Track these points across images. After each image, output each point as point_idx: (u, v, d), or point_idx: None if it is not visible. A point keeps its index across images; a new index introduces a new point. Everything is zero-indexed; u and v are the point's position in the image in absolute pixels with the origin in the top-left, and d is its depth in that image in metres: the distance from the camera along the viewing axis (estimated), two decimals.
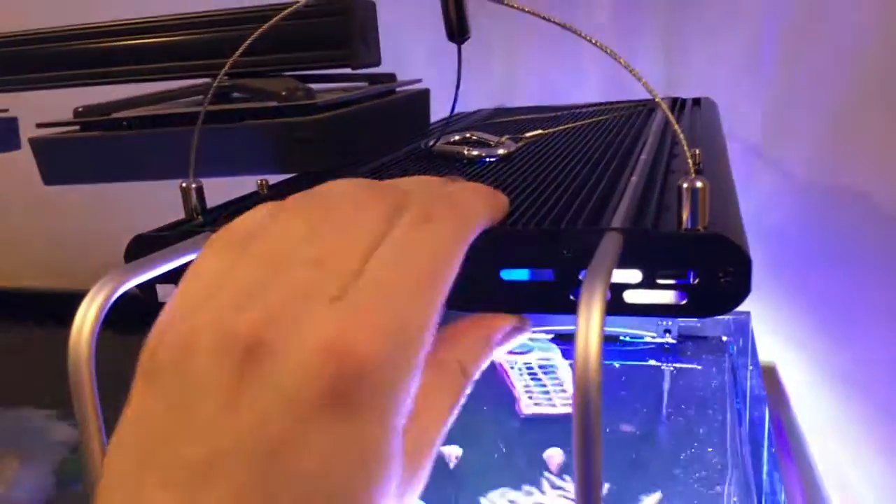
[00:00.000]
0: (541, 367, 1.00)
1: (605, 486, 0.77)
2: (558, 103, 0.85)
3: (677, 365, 0.97)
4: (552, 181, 0.42)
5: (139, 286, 0.36)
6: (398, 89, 0.71)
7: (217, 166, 0.53)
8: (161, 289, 0.38)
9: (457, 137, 0.56)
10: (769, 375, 1.02)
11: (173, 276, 0.36)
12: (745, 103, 0.92)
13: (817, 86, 0.89)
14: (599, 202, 0.37)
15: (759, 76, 0.92)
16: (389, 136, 0.62)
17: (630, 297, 0.31)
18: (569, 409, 0.82)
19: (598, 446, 0.23)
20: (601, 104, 0.79)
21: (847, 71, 0.87)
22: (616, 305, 0.32)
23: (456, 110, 0.97)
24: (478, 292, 0.33)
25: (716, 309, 0.30)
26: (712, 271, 0.30)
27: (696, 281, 0.30)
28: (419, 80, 0.73)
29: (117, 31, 0.63)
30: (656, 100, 0.33)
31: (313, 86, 0.63)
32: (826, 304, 0.98)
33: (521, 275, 0.33)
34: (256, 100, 0.57)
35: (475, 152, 0.51)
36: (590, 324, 0.24)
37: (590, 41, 0.34)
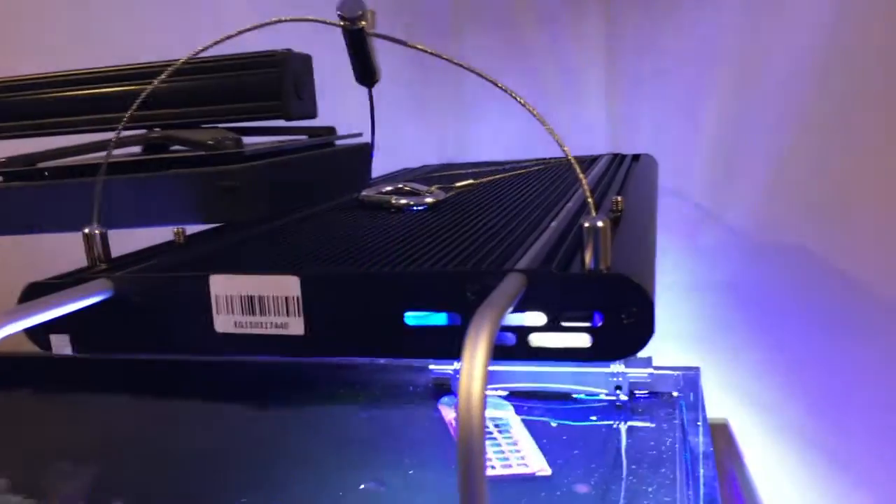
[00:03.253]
0: (496, 425, 0.98)
1: None
2: (509, 158, 0.86)
3: (629, 423, 0.95)
4: (471, 227, 0.41)
5: (30, 334, 0.34)
6: (338, 142, 0.70)
7: (143, 216, 0.52)
8: (57, 339, 0.36)
9: (389, 188, 0.56)
10: (722, 431, 1.01)
11: (67, 325, 0.35)
12: (688, 160, 0.94)
13: (759, 142, 0.91)
14: (513, 246, 0.36)
15: (702, 134, 0.94)
16: (324, 188, 0.61)
17: (535, 340, 0.31)
18: (524, 469, 0.80)
19: (482, 496, 0.22)
20: (546, 159, 0.80)
21: (787, 125, 0.89)
22: (522, 350, 0.31)
23: (404, 166, 0.98)
24: (382, 338, 0.32)
25: (620, 352, 0.30)
26: (615, 313, 0.29)
27: (601, 324, 0.30)
28: (359, 134, 0.73)
29: (49, 83, 0.62)
30: (564, 151, 0.33)
31: (249, 139, 0.63)
32: (776, 357, 0.98)
33: (426, 319, 0.32)
34: (186, 151, 0.56)
35: (403, 201, 0.50)
36: (473, 364, 0.23)
37: (508, 92, 0.34)
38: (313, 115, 0.63)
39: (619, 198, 0.44)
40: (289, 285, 0.33)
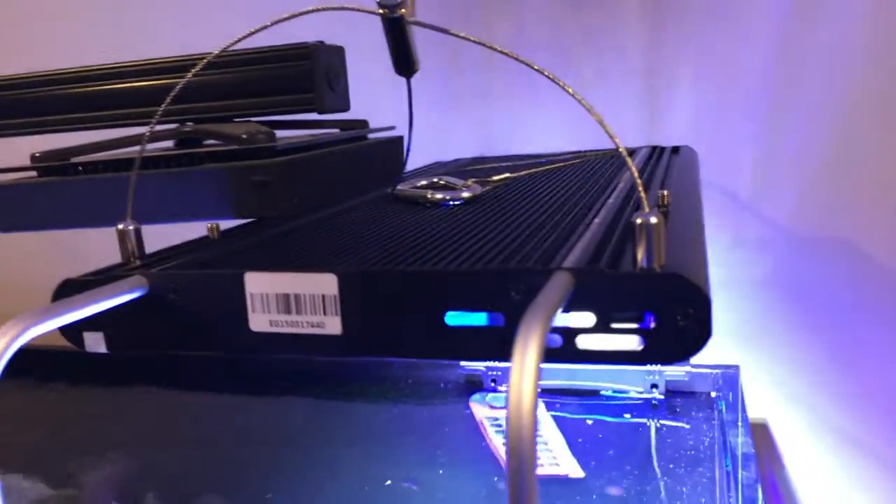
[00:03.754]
0: None
1: None
2: (544, 151, 0.84)
3: (665, 422, 0.93)
4: (511, 223, 0.40)
5: (64, 331, 0.34)
6: (371, 136, 0.69)
7: (175, 211, 0.52)
8: (90, 337, 0.35)
9: (424, 182, 0.55)
10: (761, 432, 0.98)
11: (101, 323, 0.34)
12: (731, 153, 0.92)
13: (803, 135, 0.88)
14: (557, 243, 0.34)
15: (745, 126, 0.91)
16: (356, 182, 0.60)
17: (583, 342, 0.29)
18: (556, 470, 0.78)
19: (534, 498, 0.21)
20: (582, 152, 0.78)
21: (830, 116, 0.86)
22: (569, 352, 0.29)
23: (436, 160, 0.97)
24: (421, 338, 0.31)
25: (675, 355, 0.28)
26: (669, 313, 0.28)
27: (654, 325, 0.28)
28: (393, 128, 0.72)
29: (82, 78, 0.62)
30: (615, 143, 0.31)
31: (282, 132, 0.62)
32: (820, 356, 0.95)
33: (467, 319, 0.30)
34: (219, 145, 0.55)
35: (439, 196, 0.49)
36: (524, 369, 0.21)
37: (558, 83, 0.32)
38: (346, 108, 0.62)
39: (665, 192, 0.43)
40: (326, 283, 0.32)
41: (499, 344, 0.30)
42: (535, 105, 0.99)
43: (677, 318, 0.28)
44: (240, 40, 0.34)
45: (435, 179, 0.55)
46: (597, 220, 0.39)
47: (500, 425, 0.95)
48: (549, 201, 0.46)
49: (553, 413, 0.92)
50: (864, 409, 0.93)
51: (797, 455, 0.97)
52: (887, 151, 0.84)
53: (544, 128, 0.99)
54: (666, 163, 0.64)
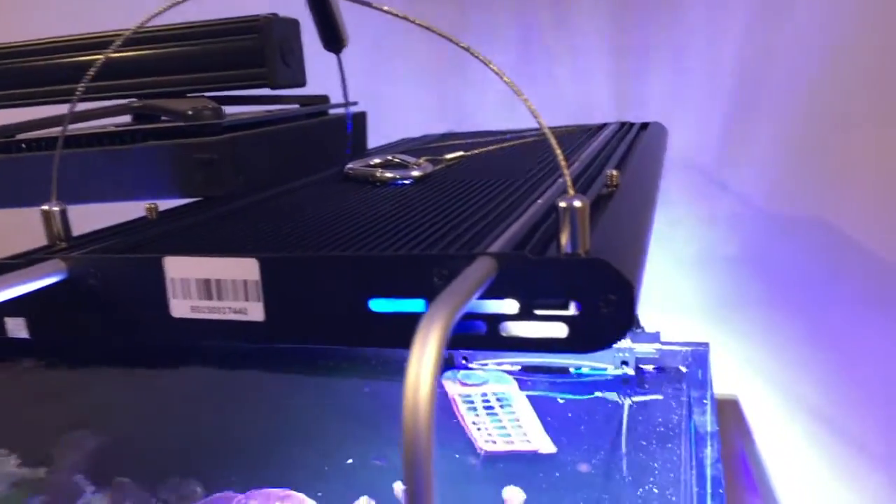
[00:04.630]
0: (497, 399, 0.96)
1: None
2: (516, 126, 0.83)
3: (635, 398, 0.93)
4: (452, 205, 0.39)
5: None
6: (332, 111, 0.68)
7: (118, 189, 0.50)
8: (12, 322, 0.34)
9: (377, 160, 0.54)
10: (731, 408, 0.98)
11: (22, 308, 0.33)
12: (702, 129, 0.90)
13: (775, 112, 0.87)
14: (491, 226, 0.34)
15: (718, 103, 0.90)
16: (312, 160, 0.59)
17: (507, 329, 0.28)
18: (527, 446, 0.78)
19: (430, 491, 0.20)
20: (554, 128, 0.77)
21: (804, 93, 0.85)
22: (493, 339, 0.28)
23: (410, 135, 0.95)
24: (346, 325, 0.30)
25: (597, 342, 0.27)
26: (592, 300, 0.27)
27: (578, 312, 0.27)
28: (354, 103, 0.70)
29: (27, 52, 0.60)
30: (539, 122, 0.30)
31: (239, 109, 0.60)
32: (791, 333, 0.95)
33: (391, 305, 0.29)
34: (169, 121, 0.54)
35: (388, 174, 0.48)
36: (422, 358, 0.20)
37: (484, 62, 0.31)
38: (301, 83, 0.61)
39: (615, 172, 0.42)
40: (247, 268, 0.31)
41: None
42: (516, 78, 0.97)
43: (599, 306, 0.27)
44: (159, 13, 0.33)
45: (389, 157, 0.53)
46: (539, 202, 0.38)
47: (471, 402, 0.95)
48: (498, 182, 0.45)
49: (527, 392, 0.92)
50: (834, 386, 0.93)
51: (767, 431, 0.97)
52: (859, 129, 0.84)
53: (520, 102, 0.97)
54: (630, 140, 0.62)
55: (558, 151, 0.29)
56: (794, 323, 0.94)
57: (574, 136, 0.66)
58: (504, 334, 0.28)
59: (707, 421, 0.82)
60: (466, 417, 0.92)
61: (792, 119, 0.86)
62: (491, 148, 0.56)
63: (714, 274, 0.97)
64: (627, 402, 0.95)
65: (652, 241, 0.49)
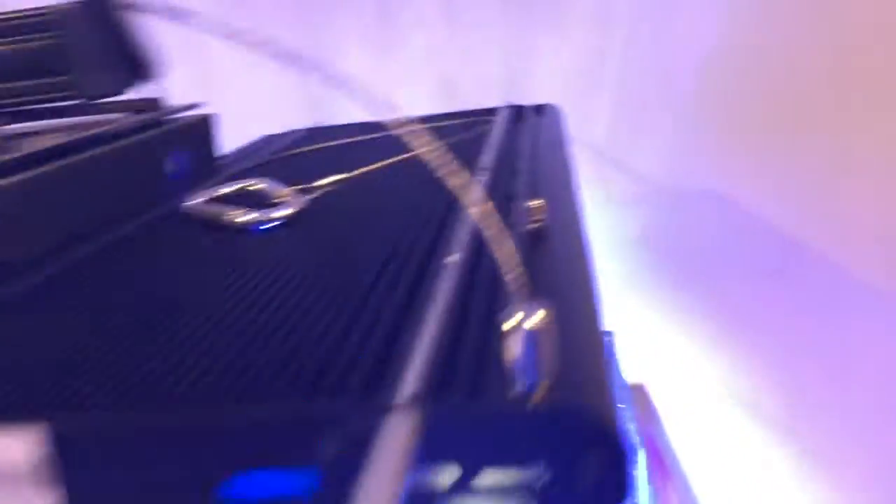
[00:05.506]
0: None
1: None
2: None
3: None
4: (337, 281, 0.28)
5: None
6: (170, 118, 0.55)
7: None
8: None
9: (226, 190, 0.42)
10: (639, 394, 0.95)
11: None
12: (594, 108, 0.84)
13: (665, 89, 0.81)
14: (399, 333, 0.23)
15: (609, 82, 0.83)
16: (134, 191, 0.45)
17: None
18: None
19: None
20: (433, 117, 0.67)
21: (696, 73, 0.80)
22: None
23: (271, 131, 0.82)
24: None
25: None
26: (566, 465, 0.18)
27: (547, 480, 0.18)
28: (195, 105, 0.57)
29: None
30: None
31: (33, 124, 0.46)
32: (694, 313, 0.92)
33: (260, 488, 0.19)
34: None
35: (244, 217, 0.37)
36: None
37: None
38: (118, 92, 0.47)
39: (538, 202, 0.33)
40: (20, 448, 0.19)
41: None
42: (376, 64, 0.86)
43: (579, 472, 0.18)
44: None
45: (244, 185, 0.42)
46: (452, 260, 0.28)
47: None
48: (393, 231, 0.34)
49: None
50: (742, 362, 0.91)
51: (676, 414, 0.94)
52: (755, 101, 0.80)
53: (390, 84, 0.86)
54: (531, 137, 0.54)
55: (503, 259, 0.19)
56: (698, 301, 0.91)
57: (470, 129, 0.56)
58: None
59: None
60: None
61: (684, 94, 0.81)
62: (370, 167, 0.45)
63: (613, 256, 0.91)
64: None
65: None
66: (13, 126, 0.45)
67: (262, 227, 0.36)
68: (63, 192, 0.38)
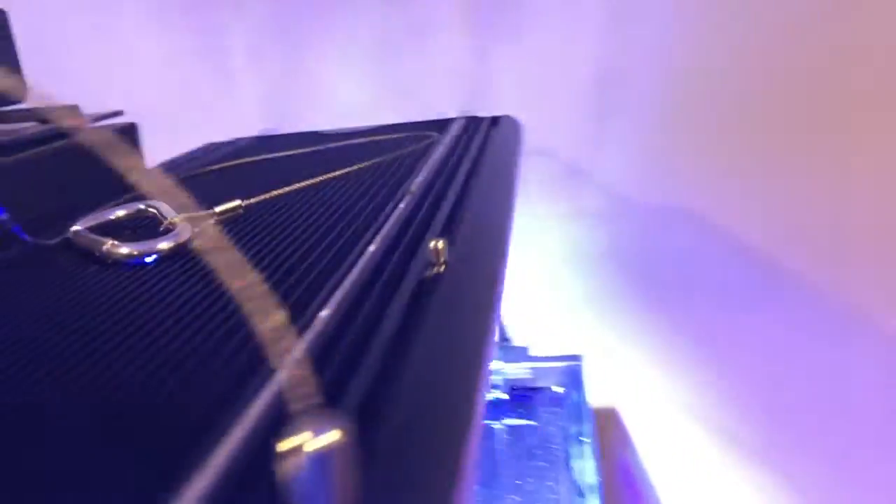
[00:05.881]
0: None
1: None
2: (334, 128, 0.68)
3: (509, 422, 0.83)
4: (174, 355, 0.24)
5: None
6: (87, 127, 0.50)
7: None
8: None
9: (124, 212, 0.38)
10: (611, 417, 0.91)
11: None
12: (560, 117, 0.79)
13: (638, 100, 0.77)
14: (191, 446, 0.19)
15: (579, 91, 0.79)
16: (25, 210, 0.41)
17: None
18: None
19: None
20: (380, 129, 0.62)
21: (669, 82, 0.76)
22: None
23: (227, 136, 0.78)
24: None
25: None
26: None
27: None
28: (119, 113, 0.53)
29: None
30: None
31: None
32: (665, 335, 0.88)
33: None
34: None
35: (123, 249, 0.32)
36: None
37: None
38: (16, 100, 0.43)
39: (440, 244, 0.28)
40: None
41: None
42: (339, 72, 0.82)
43: None
44: None
45: (142, 206, 0.38)
46: (307, 338, 0.24)
47: None
48: (280, 281, 0.30)
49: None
50: (716, 387, 0.87)
51: (648, 438, 0.90)
52: (723, 114, 0.75)
53: (350, 96, 0.82)
54: (474, 155, 0.49)
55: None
56: (670, 322, 0.87)
57: (411, 148, 0.52)
58: None
59: (582, 433, 0.75)
60: None
61: (660, 105, 0.76)
62: (280, 192, 0.40)
63: (582, 273, 0.87)
64: (498, 425, 0.85)
65: (513, 239, 0.37)
66: None
67: (136, 263, 0.32)
68: None
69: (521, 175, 0.51)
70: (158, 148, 0.58)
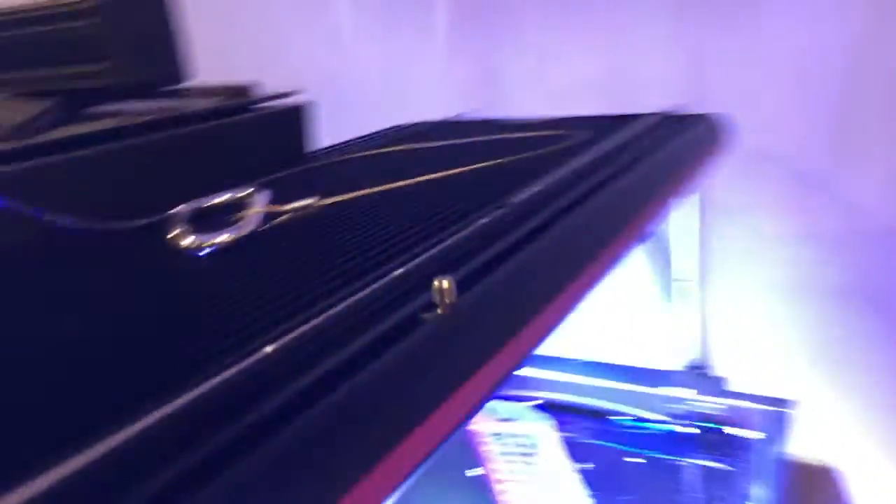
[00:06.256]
0: (532, 445, 0.79)
1: None
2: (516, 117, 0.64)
3: (696, 461, 0.73)
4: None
5: None
6: (260, 105, 0.53)
7: None
8: None
9: (215, 201, 0.38)
10: (824, 478, 0.76)
11: None
12: (798, 124, 0.66)
13: (887, 110, 0.61)
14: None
15: (813, 91, 0.65)
16: (181, 186, 0.43)
17: None
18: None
19: None
20: (543, 125, 0.56)
21: None
22: None
23: (438, 115, 0.78)
24: None
25: None
26: None
27: None
28: (291, 93, 0.54)
29: None
30: None
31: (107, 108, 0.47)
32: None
33: None
34: None
35: (186, 240, 0.33)
36: None
37: None
38: (174, 80, 0.46)
39: (447, 283, 0.24)
40: None
41: None
42: (542, 55, 0.77)
43: None
44: None
45: (235, 195, 0.38)
46: None
47: (503, 442, 0.78)
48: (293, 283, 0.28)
49: (565, 434, 0.75)
50: None
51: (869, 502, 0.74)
52: None
53: (564, 80, 0.77)
54: (627, 160, 0.42)
55: None
56: None
57: (550, 148, 0.46)
58: None
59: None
60: (494, 466, 0.75)
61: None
62: (359, 193, 0.37)
63: (815, 306, 0.73)
64: (687, 463, 0.75)
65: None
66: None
67: (199, 254, 0.32)
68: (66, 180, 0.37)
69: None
70: (370, 125, 0.59)
